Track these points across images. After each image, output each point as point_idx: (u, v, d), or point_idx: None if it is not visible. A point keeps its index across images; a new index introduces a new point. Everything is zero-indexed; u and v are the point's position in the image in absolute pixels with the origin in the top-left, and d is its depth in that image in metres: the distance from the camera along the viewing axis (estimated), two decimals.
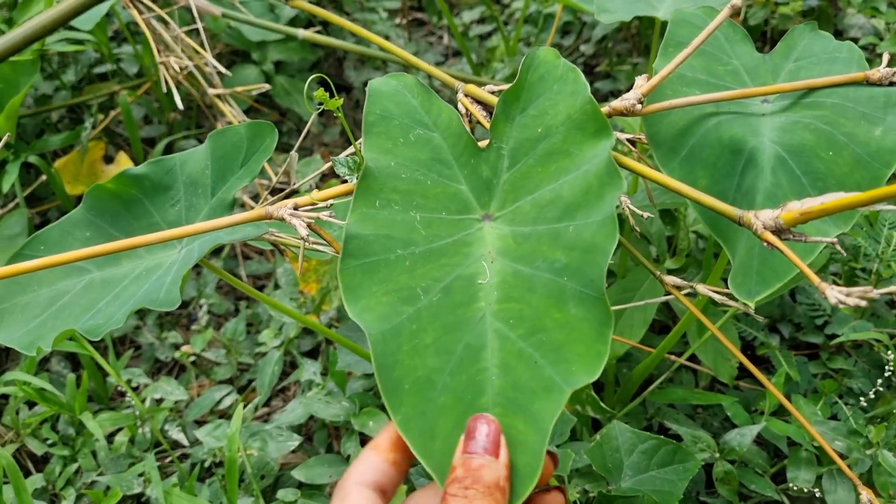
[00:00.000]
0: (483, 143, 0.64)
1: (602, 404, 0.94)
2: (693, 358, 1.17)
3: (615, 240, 0.51)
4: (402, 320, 0.51)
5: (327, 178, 1.69)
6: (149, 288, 0.68)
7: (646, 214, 0.64)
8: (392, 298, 0.52)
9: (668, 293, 1.11)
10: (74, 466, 1.20)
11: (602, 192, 0.54)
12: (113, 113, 1.58)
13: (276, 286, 1.37)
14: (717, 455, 1.00)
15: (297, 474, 1.04)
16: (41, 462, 1.26)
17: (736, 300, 0.64)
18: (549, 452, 0.51)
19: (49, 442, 1.24)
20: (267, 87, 1.31)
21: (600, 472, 0.79)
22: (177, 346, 1.35)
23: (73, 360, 1.39)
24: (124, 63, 1.75)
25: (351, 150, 0.69)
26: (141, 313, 1.43)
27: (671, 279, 0.64)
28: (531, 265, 0.53)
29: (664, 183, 0.55)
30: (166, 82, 1.31)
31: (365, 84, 1.89)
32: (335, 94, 0.63)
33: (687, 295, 0.77)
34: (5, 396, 1.33)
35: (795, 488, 0.97)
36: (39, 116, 1.53)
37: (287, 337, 1.24)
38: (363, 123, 0.62)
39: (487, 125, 0.67)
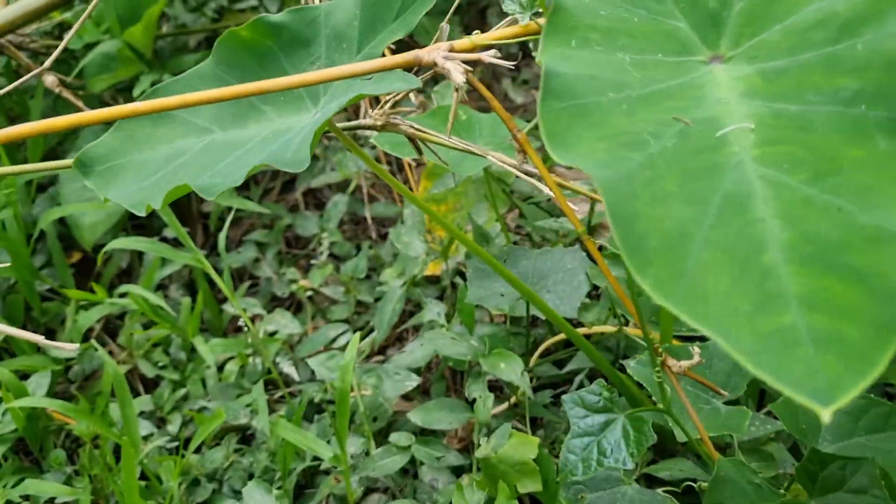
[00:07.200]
0: None
1: None
2: None
3: None
4: (632, 167, 0.43)
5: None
6: (275, 149, 0.59)
7: None
8: (610, 144, 0.44)
9: None
10: (183, 391, 1.15)
11: None
12: None
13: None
14: None
15: (414, 417, 0.93)
16: (151, 385, 1.22)
17: None
18: None
19: (160, 365, 1.19)
20: None
21: (791, 431, 0.64)
22: (295, 283, 1.28)
23: (192, 289, 1.35)
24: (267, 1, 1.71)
25: None
26: (261, 245, 1.37)
27: None
28: (799, 101, 0.44)
29: None
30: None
31: None
32: None
33: None
34: (122, 317, 1.29)
35: None
36: (178, 41, 1.51)
37: (411, 275, 1.14)
38: None
39: None
